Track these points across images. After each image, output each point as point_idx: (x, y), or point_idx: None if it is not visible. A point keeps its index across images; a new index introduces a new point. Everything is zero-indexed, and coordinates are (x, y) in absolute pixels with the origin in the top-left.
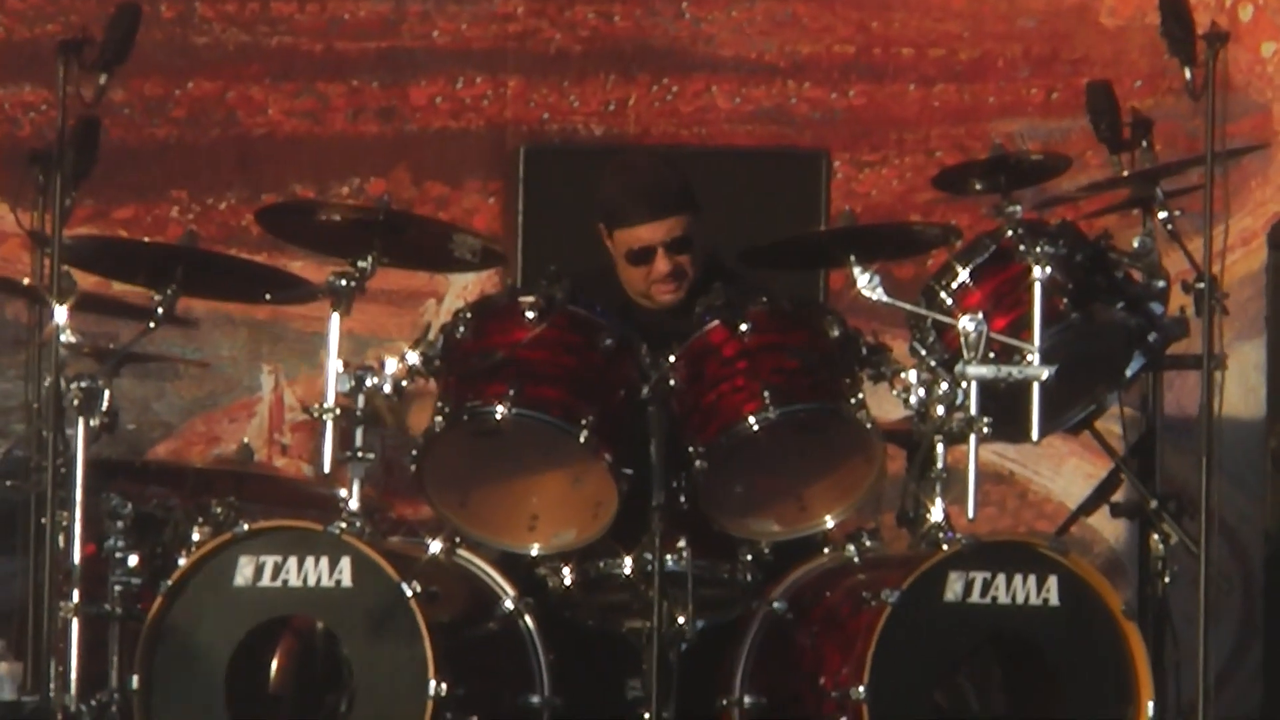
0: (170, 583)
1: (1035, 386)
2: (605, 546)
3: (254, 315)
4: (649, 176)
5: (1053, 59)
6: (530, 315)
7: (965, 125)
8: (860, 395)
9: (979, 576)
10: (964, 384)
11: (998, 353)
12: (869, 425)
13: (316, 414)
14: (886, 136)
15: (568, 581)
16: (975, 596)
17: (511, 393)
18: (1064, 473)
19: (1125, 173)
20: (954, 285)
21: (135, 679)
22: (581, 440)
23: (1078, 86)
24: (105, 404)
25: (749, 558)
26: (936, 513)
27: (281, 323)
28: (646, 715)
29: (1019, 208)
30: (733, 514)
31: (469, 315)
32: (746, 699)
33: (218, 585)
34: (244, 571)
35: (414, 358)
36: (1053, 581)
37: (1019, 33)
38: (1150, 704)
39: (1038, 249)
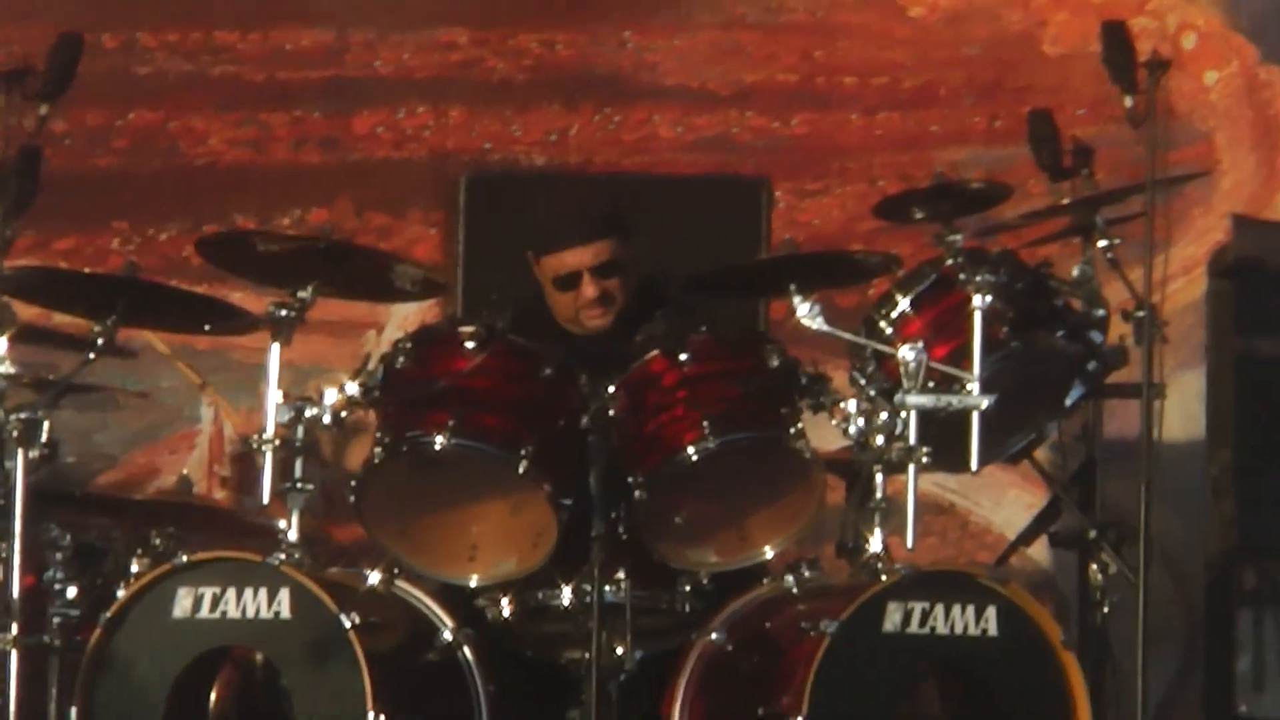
0: (109, 614)
1: (975, 416)
2: (545, 577)
3: (194, 346)
4: (573, 202)
5: (996, 87)
6: (470, 344)
7: (909, 153)
8: (800, 425)
9: (918, 606)
10: (903, 413)
11: (937, 382)
12: (809, 455)
13: (256, 445)
14: (829, 165)
15: (507, 612)
16: (914, 626)
17: (452, 422)
18: (1004, 503)
19: (1066, 200)
20: (894, 314)
21: (74, 711)
22: (521, 470)
23: (1021, 114)
24: (45, 435)
25: (688, 588)
26: (876, 543)
27: (222, 353)
28: None
29: (960, 236)
30: (672, 544)
31: (409, 345)
32: None
33: (157, 617)
34: (183, 603)
35: (354, 388)
36: (991, 612)
37: (962, 61)
38: None
39: (978, 277)
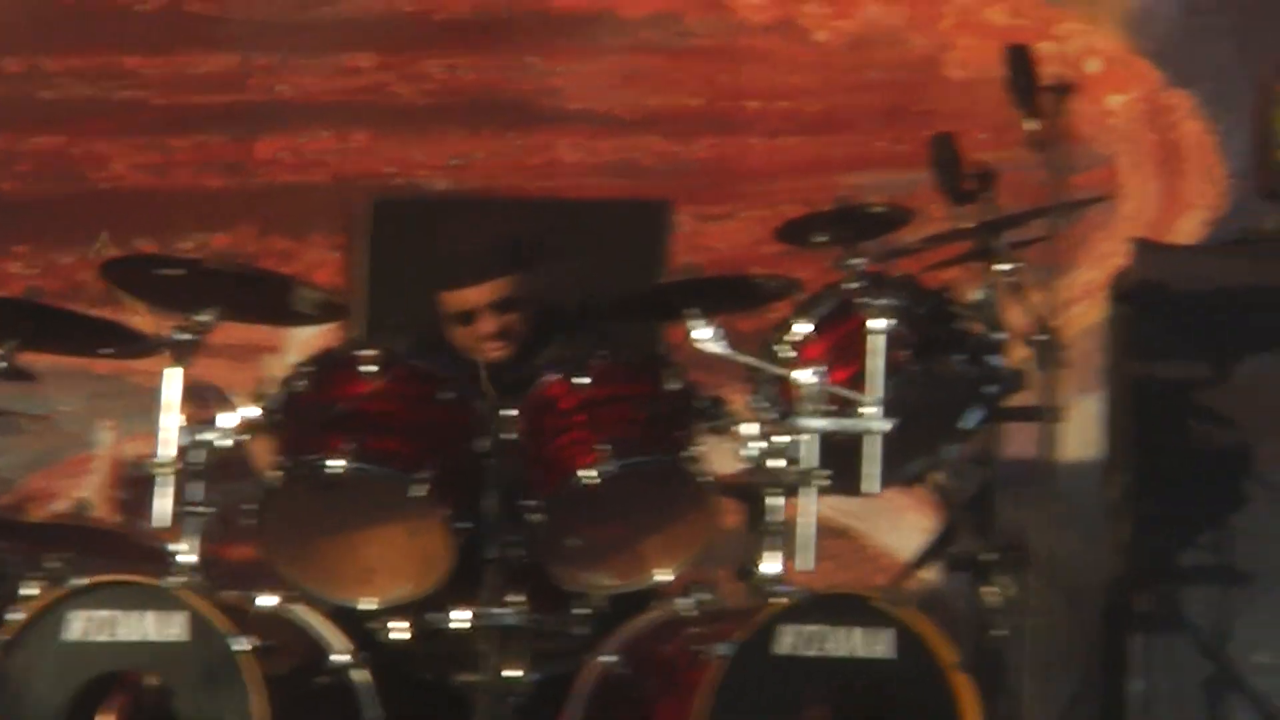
0: (2, 638)
1: (873, 439)
2: (443, 599)
3: (94, 370)
4: (471, 239)
5: (899, 111)
6: (369, 368)
7: (812, 178)
8: (698, 448)
9: (813, 630)
10: (801, 437)
11: (837, 405)
12: (707, 479)
13: (155, 469)
14: (733, 189)
15: (404, 635)
16: (809, 650)
17: (351, 446)
18: (902, 526)
19: (967, 224)
20: (795, 338)
21: None
22: (419, 493)
23: (925, 139)
24: None
25: (586, 611)
26: (773, 566)
27: (122, 377)
28: None
29: (862, 260)
30: (570, 567)
31: (309, 369)
32: None
33: (50, 640)
34: (77, 626)
35: (254, 412)
36: (886, 634)
37: (866, 85)
38: None
39: (878, 301)
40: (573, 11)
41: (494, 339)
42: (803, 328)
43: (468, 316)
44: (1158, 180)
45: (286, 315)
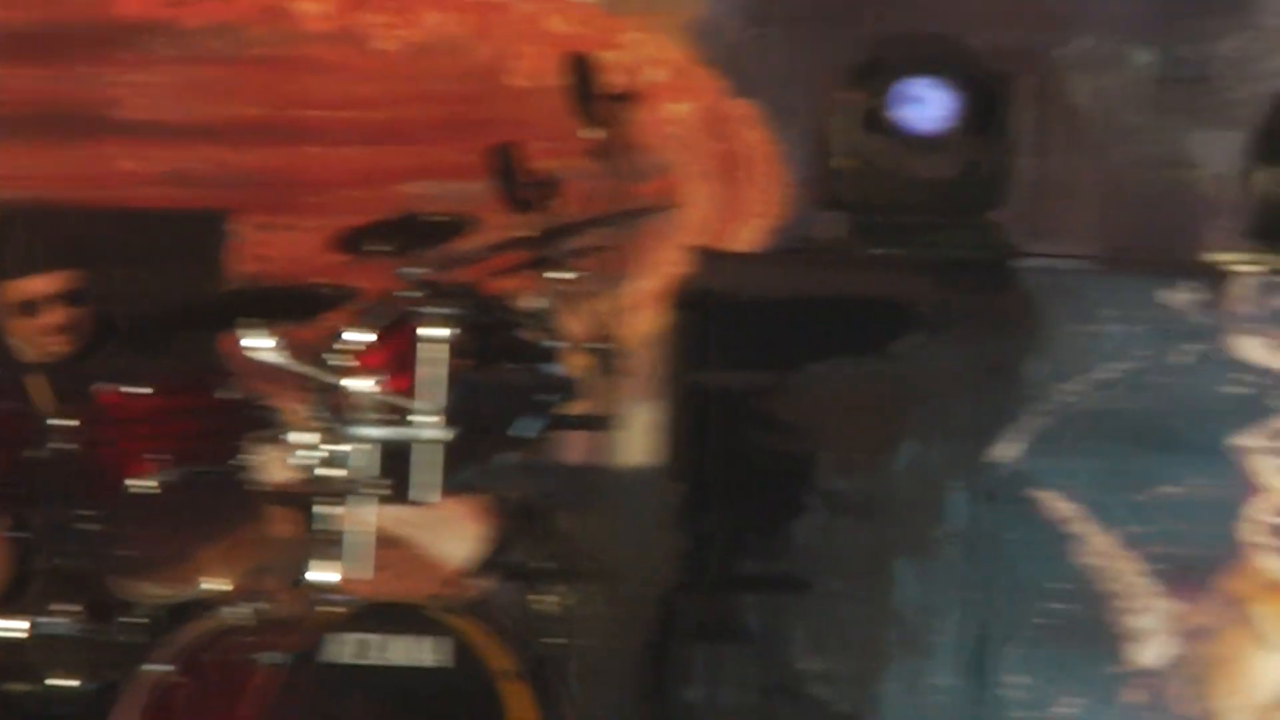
0: None
1: (426, 448)
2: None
3: None
4: (31, 232)
5: (463, 121)
6: None
7: (374, 187)
8: (254, 457)
9: (367, 638)
10: (356, 445)
11: (395, 413)
12: (258, 488)
13: None
14: (295, 199)
15: None
16: (363, 658)
17: None
18: (458, 535)
19: (526, 234)
20: (353, 346)
21: None
22: None
23: (487, 148)
24: None
25: (142, 619)
26: (326, 575)
27: None
28: None
29: (421, 269)
30: (126, 575)
31: None
32: None
33: None
34: None
35: None
36: (440, 643)
37: (429, 95)
38: None
39: (437, 310)
40: (132, 22)
41: (55, 332)
42: (358, 336)
43: (30, 306)
44: (719, 189)
45: None
